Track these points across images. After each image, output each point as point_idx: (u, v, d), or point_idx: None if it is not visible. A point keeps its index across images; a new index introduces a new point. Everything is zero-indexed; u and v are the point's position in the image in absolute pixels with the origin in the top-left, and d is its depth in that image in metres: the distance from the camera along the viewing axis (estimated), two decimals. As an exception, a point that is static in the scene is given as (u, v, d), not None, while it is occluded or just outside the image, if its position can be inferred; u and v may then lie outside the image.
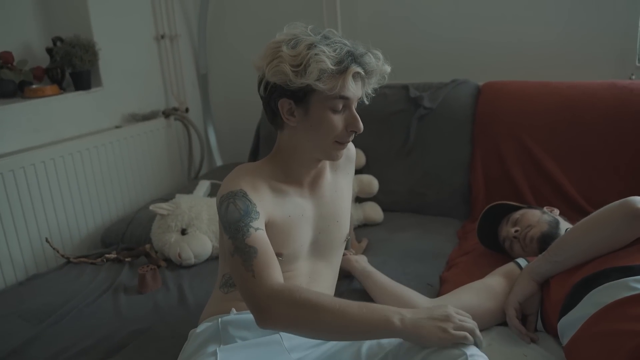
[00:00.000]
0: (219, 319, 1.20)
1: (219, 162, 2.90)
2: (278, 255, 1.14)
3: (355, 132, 1.16)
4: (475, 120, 2.08)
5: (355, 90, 1.12)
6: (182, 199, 1.93)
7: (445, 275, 1.63)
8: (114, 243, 2.03)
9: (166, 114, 2.56)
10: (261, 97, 1.18)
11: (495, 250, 1.69)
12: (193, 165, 2.78)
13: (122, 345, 1.41)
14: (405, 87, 2.20)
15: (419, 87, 2.21)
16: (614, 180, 1.86)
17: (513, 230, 1.58)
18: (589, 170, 1.90)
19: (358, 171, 2.15)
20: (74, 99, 2.19)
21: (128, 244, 2.00)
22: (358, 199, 2.09)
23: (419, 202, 2.12)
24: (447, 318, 1.03)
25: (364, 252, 1.81)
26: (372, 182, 2.07)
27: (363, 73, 1.11)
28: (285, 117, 1.15)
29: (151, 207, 1.88)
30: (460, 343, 1.00)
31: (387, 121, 2.18)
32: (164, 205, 1.88)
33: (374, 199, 2.10)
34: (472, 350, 1.00)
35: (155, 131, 2.49)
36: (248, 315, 1.19)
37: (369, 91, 1.19)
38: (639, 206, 1.23)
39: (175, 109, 2.63)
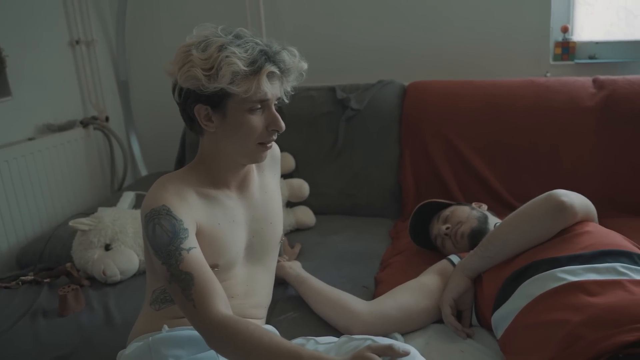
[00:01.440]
0: (150, 338, 1.14)
1: (144, 172, 2.79)
2: (214, 266, 1.11)
3: (277, 131, 1.13)
4: (402, 120, 2.10)
5: (272, 89, 1.09)
6: (105, 213, 1.83)
7: (380, 275, 1.63)
8: (31, 263, 1.89)
9: (84, 124, 2.43)
10: (177, 104, 1.13)
11: (428, 248, 1.71)
12: (116, 176, 2.65)
13: (43, 374, 1.32)
14: (332, 89, 2.20)
15: (346, 88, 2.21)
16: (535, 174, 1.94)
17: (444, 227, 1.60)
18: (513, 165, 1.96)
19: (288, 175, 2.12)
20: (-20, 110, 2.03)
21: (47, 263, 1.87)
22: (289, 204, 2.06)
23: (351, 204, 2.12)
24: None
25: (298, 257, 1.78)
26: (302, 186, 2.04)
27: (278, 72, 1.08)
28: (203, 123, 1.10)
29: (70, 223, 1.77)
30: None
31: (314, 124, 2.17)
32: (84, 220, 1.77)
33: (305, 202, 2.08)
34: None
35: (73, 142, 2.35)
36: (182, 332, 1.14)
37: (288, 89, 1.16)
38: (562, 199, 1.27)
39: (95, 118, 2.50)
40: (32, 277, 1.74)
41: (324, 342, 1.16)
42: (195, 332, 1.12)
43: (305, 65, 1.15)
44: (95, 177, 2.50)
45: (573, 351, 1.02)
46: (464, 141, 2.01)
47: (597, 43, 2.23)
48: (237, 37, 1.08)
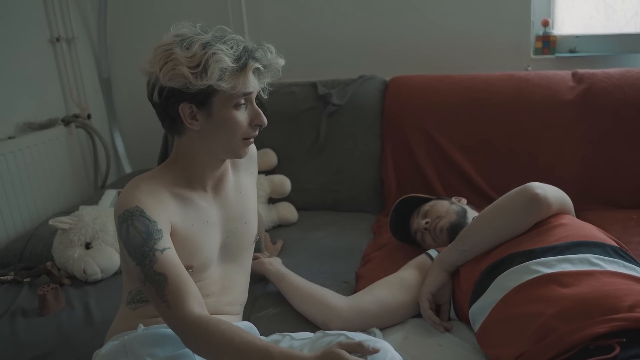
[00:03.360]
0: (125, 337, 1.13)
1: (128, 169, 2.78)
2: (188, 268, 1.11)
3: (260, 126, 1.15)
4: (383, 115, 2.11)
5: (255, 85, 1.11)
6: (86, 211, 1.82)
7: (361, 271, 1.63)
8: (12, 263, 1.88)
9: (66, 122, 2.41)
10: (154, 104, 1.12)
11: (409, 243, 1.71)
12: (100, 174, 2.64)
13: (21, 374, 1.31)
14: (314, 85, 2.19)
15: (327, 84, 2.20)
16: (515, 167, 1.95)
17: (423, 222, 1.61)
18: (492, 159, 1.97)
19: (270, 171, 2.12)
20: (-42, 109, 2.02)
21: (28, 262, 1.85)
22: (271, 200, 2.06)
23: (333, 200, 2.12)
24: None
25: (280, 253, 1.78)
26: (284, 182, 2.04)
27: (262, 68, 1.10)
28: (188, 122, 1.10)
29: (51, 222, 1.76)
30: None
31: (296, 120, 2.17)
32: (64, 218, 1.76)
33: (287, 198, 2.08)
34: None
35: (55, 140, 2.33)
36: (157, 331, 1.14)
37: (265, 85, 1.17)
38: (537, 191, 1.28)
39: (76, 116, 2.48)
40: (12, 277, 1.73)
41: (300, 338, 1.17)
42: (171, 331, 1.13)
43: (282, 62, 1.15)
44: (78, 175, 2.49)
45: (545, 344, 1.03)
46: (445, 136, 2.01)
47: (577, 37, 2.24)
48: (218, 34, 1.09)
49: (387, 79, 2.20)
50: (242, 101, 1.10)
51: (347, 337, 1.08)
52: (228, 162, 1.26)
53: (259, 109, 1.13)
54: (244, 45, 1.08)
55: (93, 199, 2.18)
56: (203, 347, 1.02)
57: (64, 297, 1.61)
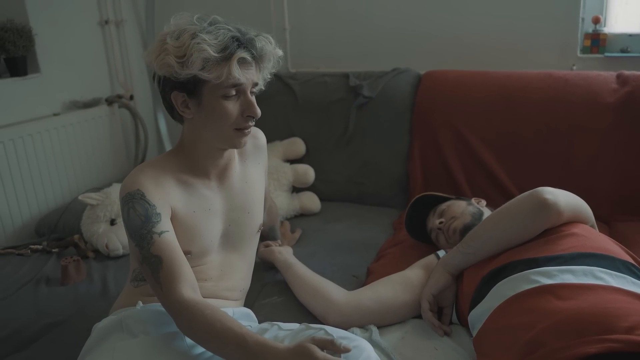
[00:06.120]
0: (123, 312, 1.18)
1: (169, 150, 2.86)
2: (187, 253, 1.14)
3: (253, 118, 1.15)
4: (414, 109, 2.06)
5: (247, 75, 1.10)
6: (114, 189, 1.89)
7: (372, 266, 1.62)
8: (47, 233, 1.99)
9: (109, 101, 2.51)
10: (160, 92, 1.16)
11: (425, 242, 1.68)
12: (141, 153, 2.73)
13: (34, 338, 1.39)
14: (346, 76, 2.18)
15: (360, 75, 2.18)
16: (547, 170, 1.86)
17: (437, 221, 1.57)
18: (523, 160, 1.90)
19: (297, 160, 2.13)
20: (9, 85, 2.12)
21: (60, 234, 1.96)
22: (295, 189, 2.07)
23: (358, 192, 2.11)
24: None
25: (297, 242, 1.79)
26: (307, 172, 2.05)
27: (249, 58, 1.09)
28: (180, 109, 1.13)
29: (80, 197, 1.84)
30: None
31: (327, 110, 2.16)
32: (93, 195, 1.84)
33: (312, 189, 2.08)
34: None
35: (98, 119, 2.43)
36: (154, 308, 1.17)
37: (267, 76, 1.17)
38: (546, 197, 1.22)
39: (120, 96, 2.57)
40: (42, 247, 1.83)
41: (287, 329, 1.17)
42: (166, 310, 1.16)
43: (280, 52, 1.16)
44: (118, 153, 2.58)
45: (534, 358, 0.99)
46: (475, 134, 1.95)
47: (630, 35, 2.11)
48: (211, 24, 1.10)
49: (422, 72, 2.14)
50: (233, 92, 1.10)
51: (326, 332, 1.08)
52: (235, 152, 1.28)
53: (252, 99, 1.13)
54: (232, 35, 1.07)
55: (129, 178, 2.25)
56: (188, 330, 1.05)
57: (85, 269, 1.69)
